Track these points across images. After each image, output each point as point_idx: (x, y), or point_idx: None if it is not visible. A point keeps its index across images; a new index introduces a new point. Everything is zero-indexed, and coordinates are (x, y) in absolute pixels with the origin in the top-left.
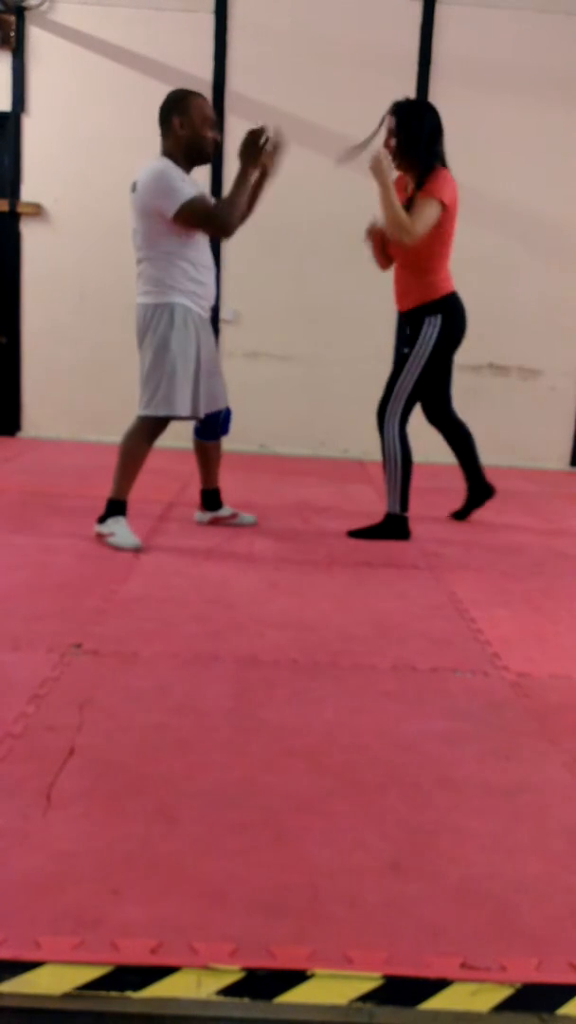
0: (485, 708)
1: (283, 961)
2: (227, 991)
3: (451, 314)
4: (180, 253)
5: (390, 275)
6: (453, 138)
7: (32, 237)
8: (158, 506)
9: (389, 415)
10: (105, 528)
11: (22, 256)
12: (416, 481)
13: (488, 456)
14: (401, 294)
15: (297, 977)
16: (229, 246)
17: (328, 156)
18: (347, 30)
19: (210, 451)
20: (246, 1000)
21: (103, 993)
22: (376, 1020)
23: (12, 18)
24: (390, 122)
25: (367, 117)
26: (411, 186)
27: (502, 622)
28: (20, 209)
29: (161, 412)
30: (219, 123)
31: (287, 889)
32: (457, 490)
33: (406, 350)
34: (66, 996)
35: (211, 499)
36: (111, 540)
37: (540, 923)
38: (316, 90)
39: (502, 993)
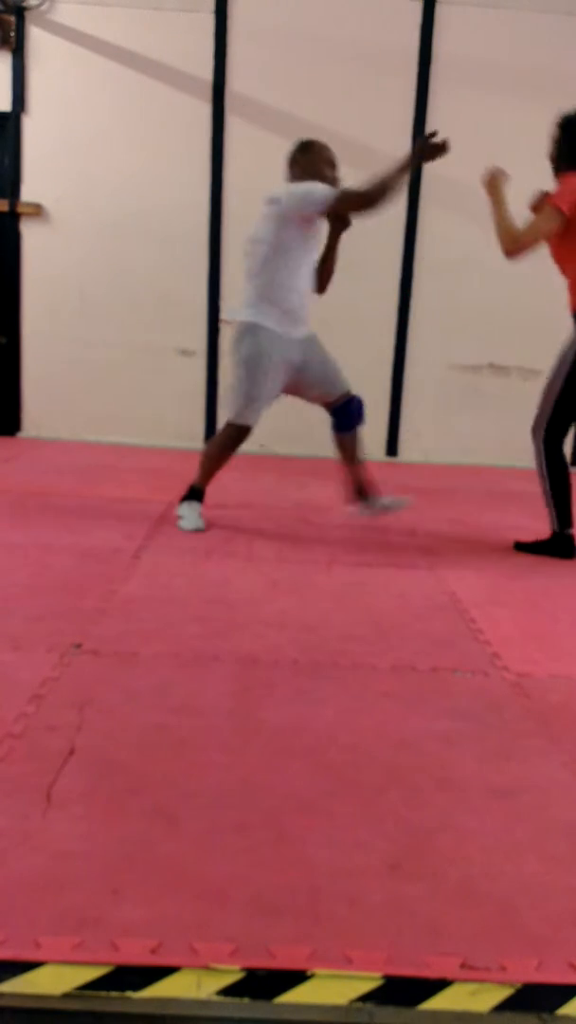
0: (485, 708)
1: (283, 961)
2: (227, 991)
3: None
4: (283, 279)
5: (387, 275)
6: (453, 138)
7: (32, 237)
8: (158, 506)
9: (535, 428)
10: (180, 510)
11: (22, 256)
12: (417, 481)
13: (488, 456)
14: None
15: (297, 977)
16: (229, 246)
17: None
18: (347, 30)
19: (346, 442)
20: (246, 1000)
21: (103, 993)
22: (376, 1020)
23: (12, 18)
24: (555, 133)
25: (367, 117)
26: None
27: (502, 622)
28: (20, 209)
29: (246, 420)
30: (219, 123)
31: (287, 889)
32: (457, 490)
33: (557, 362)
34: (66, 996)
35: (362, 491)
36: (180, 523)
37: (540, 923)
38: (316, 90)
39: (502, 993)
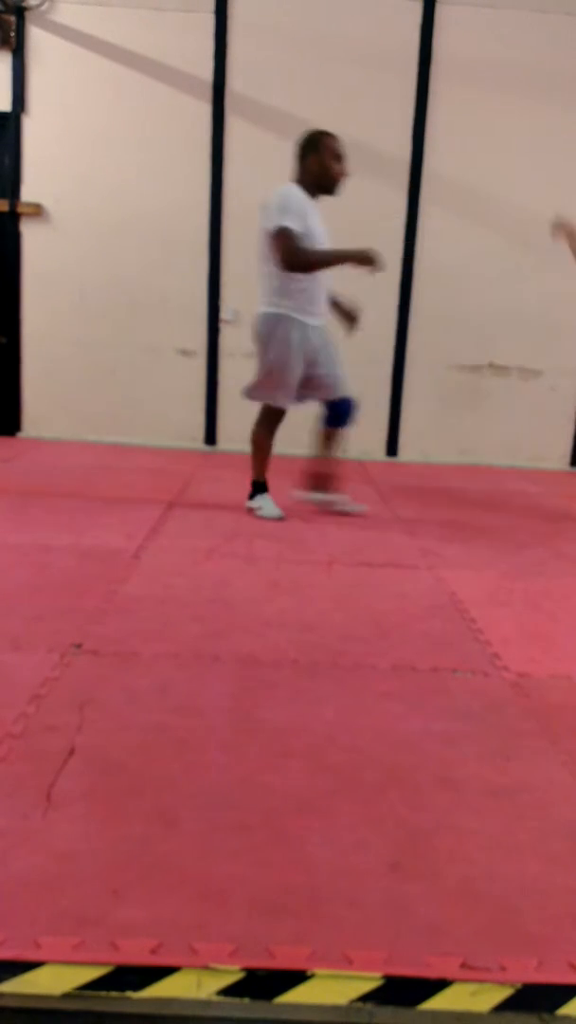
0: (485, 708)
1: (283, 961)
2: (227, 991)
3: None
4: (294, 274)
5: (387, 275)
6: (453, 138)
7: (32, 237)
8: (158, 506)
9: None
10: (254, 503)
11: (22, 256)
12: (417, 481)
13: (488, 456)
14: None
15: (297, 977)
16: (229, 246)
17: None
18: (347, 30)
19: (328, 437)
20: (246, 1000)
21: (103, 993)
22: (376, 1020)
23: (12, 18)
24: None
25: (367, 117)
26: None
27: (502, 622)
28: (20, 209)
29: (282, 403)
30: (219, 123)
31: (287, 889)
32: (457, 490)
33: None
34: (66, 996)
35: (323, 482)
36: (259, 513)
37: (540, 923)
38: (316, 90)
39: (502, 993)
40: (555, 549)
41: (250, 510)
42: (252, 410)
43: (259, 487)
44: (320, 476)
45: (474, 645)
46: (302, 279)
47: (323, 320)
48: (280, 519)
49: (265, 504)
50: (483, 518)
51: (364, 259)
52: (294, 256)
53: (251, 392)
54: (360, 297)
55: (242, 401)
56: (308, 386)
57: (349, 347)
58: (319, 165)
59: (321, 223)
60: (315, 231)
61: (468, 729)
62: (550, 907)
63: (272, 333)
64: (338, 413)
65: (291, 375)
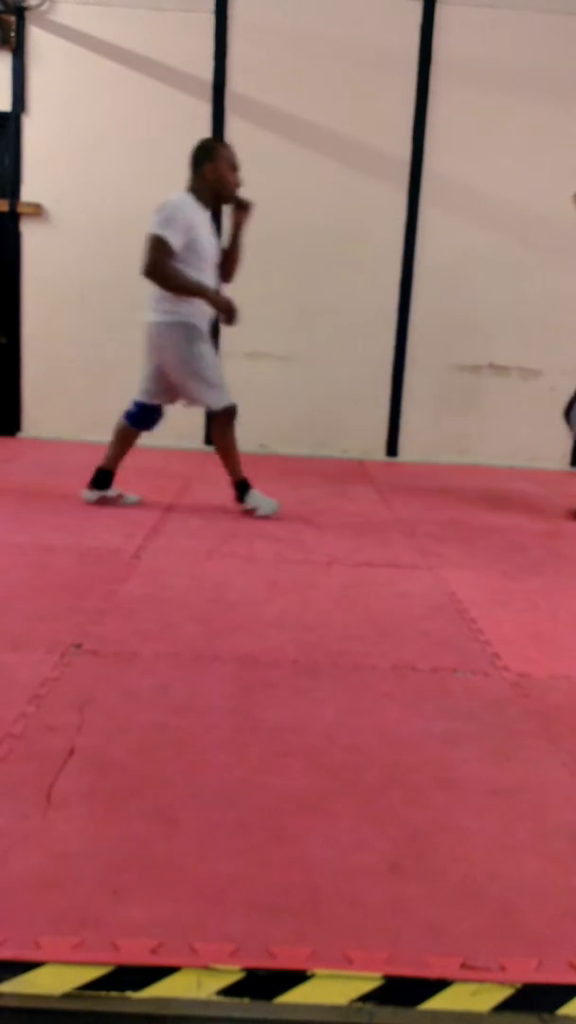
0: (485, 708)
1: (283, 961)
2: (227, 991)
3: None
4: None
5: (387, 275)
6: (453, 138)
7: (32, 237)
8: (158, 506)
9: (570, 413)
10: (248, 504)
11: (22, 256)
12: (417, 481)
13: (488, 456)
14: None
15: (297, 977)
16: None
17: (328, 156)
18: (347, 30)
19: (131, 439)
20: (246, 1000)
21: (103, 993)
22: (376, 1020)
23: (12, 18)
24: None
25: (367, 117)
26: None
27: (502, 622)
28: (20, 209)
29: (226, 402)
30: (219, 123)
31: (287, 889)
32: (457, 490)
33: None
34: (66, 996)
35: (106, 479)
36: (259, 513)
37: (540, 923)
38: (316, 90)
39: (502, 993)
40: (555, 549)
41: (247, 512)
42: (251, 410)
43: (243, 487)
44: (110, 474)
45: (474, 645)
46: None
47: (210, 324)
48: (276, 511)
49: (259, 502)
50: (483, 518)
51: (222, 308)
52: (159, 269)
53: (214, 400)
54: (360, 297)
55: (243, 401)
56: (165, 387)
57: (350, 347)
58: (215, 174)
59: (211, 234)
60: (203, 242)
61: (468, 729)
62: (550, 907)
63: (186, 337)
64: (148, 418)
65: (218, 370)
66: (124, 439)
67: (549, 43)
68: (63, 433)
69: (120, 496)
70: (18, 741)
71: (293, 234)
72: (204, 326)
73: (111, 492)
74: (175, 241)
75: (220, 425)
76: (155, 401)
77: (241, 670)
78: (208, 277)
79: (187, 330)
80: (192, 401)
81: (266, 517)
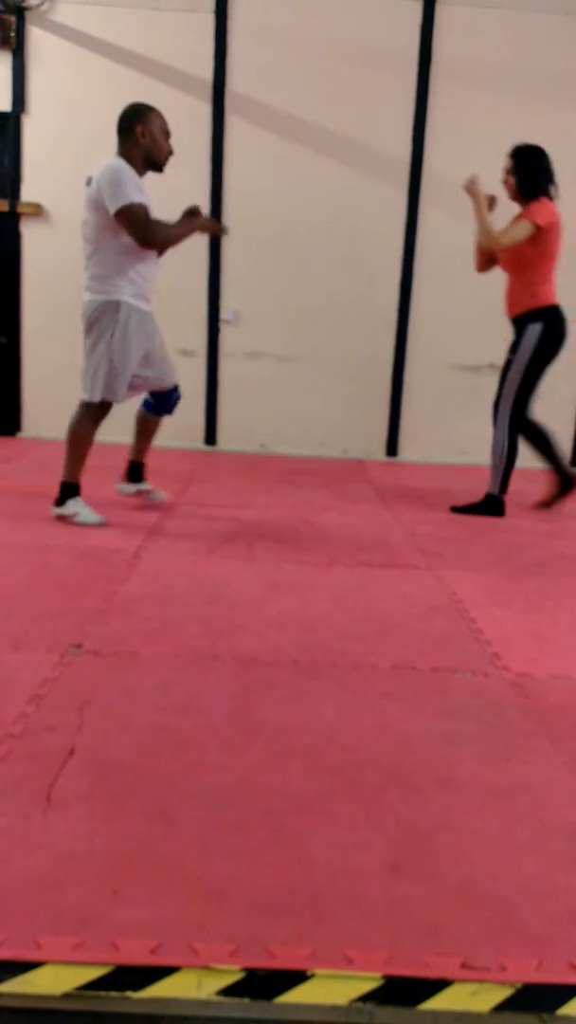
0: (485, 708)
1: (283, 961)
2: (227, 991)
3: (552, 323)
4: (126, 249)
5: (387, 275)
6: (453, 138)
7: (32, 237)
8: (159, 506)
9: (500, 416)
10: (67, 510)
11: (22, 256)
12: (417, 481)
13: (488, 456)
14: (510, 303)
15: (297, 977)
16: (229, 246)
17: (328, 156)
18: (347, 30)
19: (151, 426)
20: (246, 1000)
21: (103, 993)
22: (376, 1020)
23: (12, 18)
24: (507, 164)
25: (367, 117)
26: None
27: (502, 622)
28: (20, 209)
29: (102, 397)
30: (219, 123)
31: (287, 889)
32: (456, 490)
33: (509, 356)
34: (66, 996)
35: (137, 472)
36: (77, 519)
37: (540, 923)
38: (316, 90)
39: (502, 993)
40: (555, 549)
41: (61, 517)
42: (251, 410)
43: (71, 490)
44: (138, 466)
45: (474, 645)
46: (137, 263)
47: (150, 306)
48: (101, 525)
49: (81, 510)
50: (483, 518)
51: (210, 227)
52: (152, 232)
53: (91, 389)
54: (360, 297)
55: (243, 401)
56: (139, 376)
57: (349, 347)
58: (149, 137)
59: (149, 200)
60: (149, 207)
61: (468, 729)
62: (550, 907)
63: (109, 321)
64: (165, 402)
65: (130, 365)
66: (143, 428)
67: (549, 43)
68: (63, 433)
69: (152, 491)
70: (18, 741)
71: (293, 234)
72: (144, 308)
73: (144, 486)
74: (144, 200)
75: (91, 415)
76: (163, 386)
77: (241, 670)
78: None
79: (124, 309)
80: (83, 375)
81: (83, 526)
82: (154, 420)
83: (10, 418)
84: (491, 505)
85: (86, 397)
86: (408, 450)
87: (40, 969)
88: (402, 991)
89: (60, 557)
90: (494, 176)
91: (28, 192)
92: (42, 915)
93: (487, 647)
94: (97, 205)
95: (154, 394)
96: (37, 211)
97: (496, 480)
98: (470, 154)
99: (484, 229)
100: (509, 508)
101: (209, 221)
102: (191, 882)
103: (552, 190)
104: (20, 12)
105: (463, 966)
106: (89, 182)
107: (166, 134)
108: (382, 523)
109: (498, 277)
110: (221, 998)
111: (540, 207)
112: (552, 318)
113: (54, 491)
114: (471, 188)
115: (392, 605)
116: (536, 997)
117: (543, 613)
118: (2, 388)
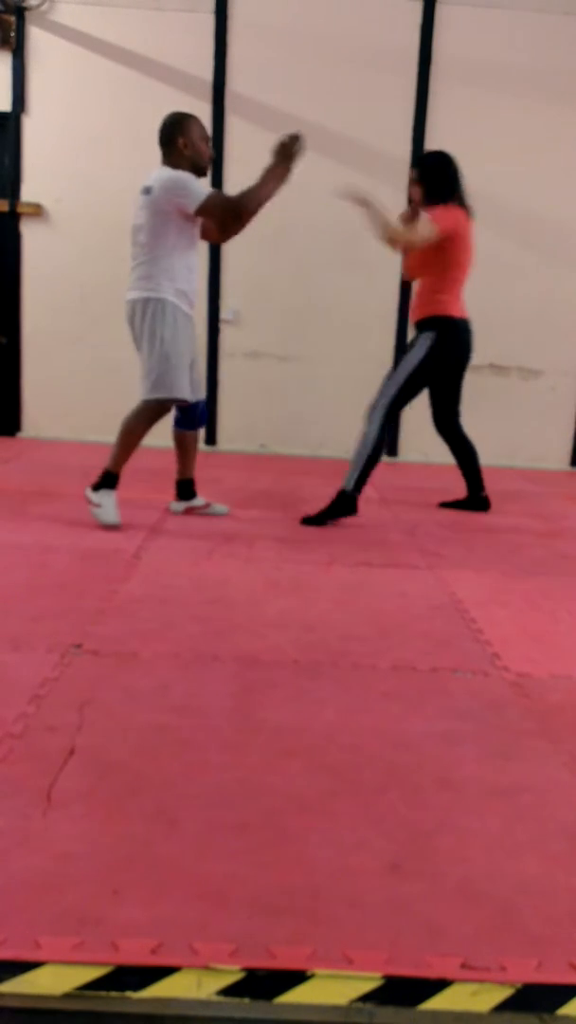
0: (485, 708)
1: (283, 961)
2: (227, 991)
3: (446, 335)
4: (179, 256)
5: (387, 275)
6: (453, 138)
7: (32, 237)
8: (158, 506)
9: (375, 414)
10: (95, 497)
11: (22, 256)
12: (417, 481)
13: (489, 456)
14: (413, 306)
15: (297, 977)
16: (229, 246)
17: (328, 156)
18: (347, 30)
19: (189, 441)
20: (246, 1000)
21: (103, 993)
22: (376, 1020)
23: (12, 18)
24: (413, 174)
25: (367, 117)
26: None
27: (502, 622)
28: (20, 209)
29: (163, 395)
30: (219, 123)
31: (287, 889)
32: (456, 490)
33: (399, 358)
34: (66, 996)
35: (187, 489)
36: (96, 511)
37: (540, 923)
38: (316, 90)
39: (502, 993)
40: (555, 549)
41: (88, 501)
42: (251, 410)
43: (111, 480)
44: (187, 483)
45: (474, 645)
46: (185, 271)
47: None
48: (115, 527)
49: (106, 505)
50: (483, 518)
51: (285, 165)
52: (240, 203)
53: (151, 389)
54: (360, 298)
55: (242, 402)
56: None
57: (349, 347)
58: (192, 147)
59: None
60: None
61: (468, 729)
62: (550, 907)
63: (160, 319)
64: (195, 416)
65: (184, 360)
66: (181, 445)
67: (549, 43)
68: (63, 433)
69: (207, 505)
70: (18, 741)
71: (293, 235)
72: (188, 311)
73: (197, 501)
74: (210, 190)
75: (150, 413)
76: (196, 397)
77: (241, 670)
78: (195, 256)
79: (171, 308)
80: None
81: (97, 520)
82: (190, 435)
83: (10, 418)
84: (344, 504)
85: (146, 396)
86: (408, 450)
87: (40, 969)
88: (402, 991)
89: (60, 557)
90: (493, 176)
91: (28, 192)
92: (42, 915)
93: (487, 647)
94: (160, 211)
95: (181, 409)
96: (37, 211)
97: (352, 477)
98: (470, 154)
99: (393, 230)
100: (509, 507)
101: (286, 153)
102: (191, 882)
103: (462, 198)
104: (20, 12)
105: (463, 966)
106: (148, 191)
107: (206, 139)
108: (382, 523)
109: (496, 277)
110: (221, 998)
111: (444, 212)
112: (447, 329)
113: (54, 491)
114: (354, 195)
115: (392, 605)
116: (536, 997)
117: (543, 613)
118: (2, 388)
